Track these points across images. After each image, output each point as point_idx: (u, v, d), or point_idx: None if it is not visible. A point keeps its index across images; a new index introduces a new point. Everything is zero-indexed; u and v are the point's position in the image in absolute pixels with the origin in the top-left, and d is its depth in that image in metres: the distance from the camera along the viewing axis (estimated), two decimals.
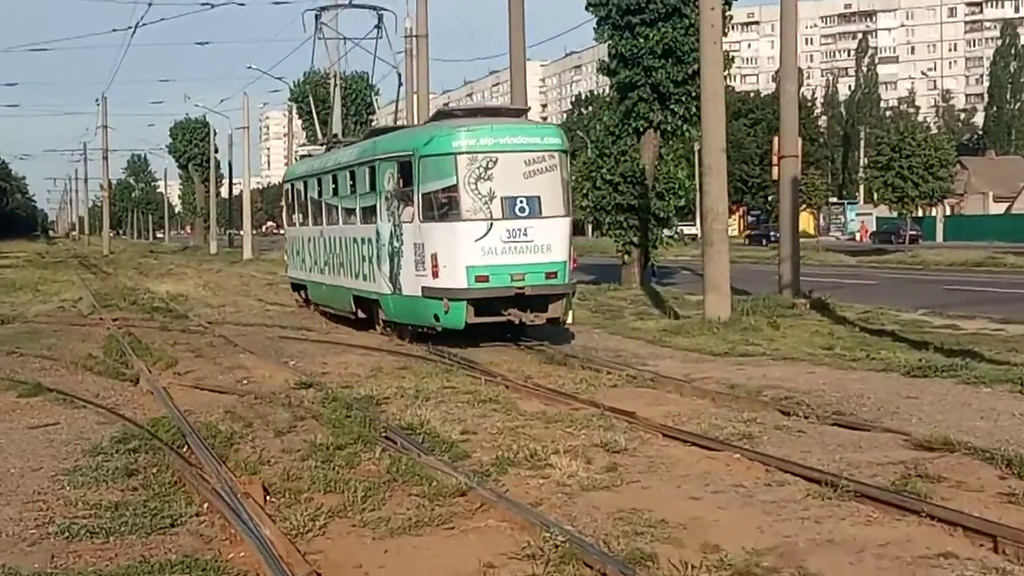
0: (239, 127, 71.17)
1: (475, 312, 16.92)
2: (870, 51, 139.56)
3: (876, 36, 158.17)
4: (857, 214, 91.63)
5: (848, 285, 31.69)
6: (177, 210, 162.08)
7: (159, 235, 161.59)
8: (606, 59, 31.13)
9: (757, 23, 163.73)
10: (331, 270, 22.30)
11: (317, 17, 28.45)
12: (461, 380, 13.50)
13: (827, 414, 10.82)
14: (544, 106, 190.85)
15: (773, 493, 8.10)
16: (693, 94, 27.72)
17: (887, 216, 74.97)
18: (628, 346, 17.34)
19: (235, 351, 17.43)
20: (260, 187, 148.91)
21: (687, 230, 64.66)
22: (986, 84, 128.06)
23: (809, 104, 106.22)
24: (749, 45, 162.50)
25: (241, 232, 72.13)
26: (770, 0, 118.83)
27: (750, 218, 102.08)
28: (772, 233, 79.52)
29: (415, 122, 30.36)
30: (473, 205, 16.85)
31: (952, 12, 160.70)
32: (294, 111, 68.85)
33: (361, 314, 20.57)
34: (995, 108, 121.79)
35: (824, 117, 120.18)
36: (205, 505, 7.90)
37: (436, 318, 17.20)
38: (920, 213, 69.36)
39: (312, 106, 47.09)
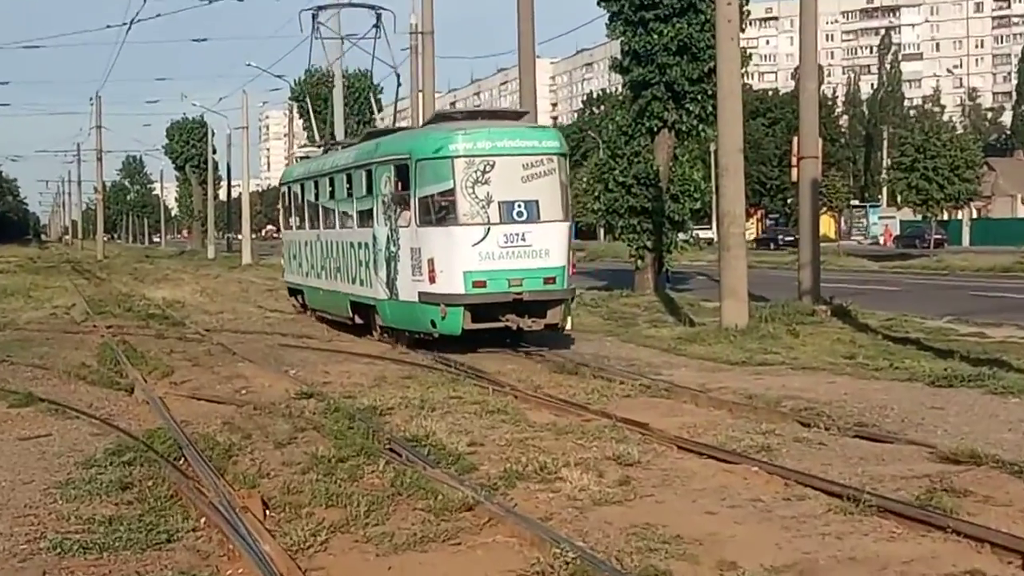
0: (238, 127, 71.25)
1: (472, 318, 17.14)
2: (893, 48, 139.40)
3: (899, 32, 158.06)
4: (880, 217, 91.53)
5: (871, 291, 31.63)
6: (174, 213, 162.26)
7: (155, 239, 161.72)
8: (619, 56, 31.12)
9: (776, 18, 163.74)
10: (328, 275, 22.52)
11: (314, 16, 28.66)
12: (468, 390, 13.50)
13: (849, 426, 10.81)
14: (554, 105, 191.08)
15: (792, 508, 8.09)
16: (709, 92, 27.72)
17: (911, 219, 74.82)
18: (642, 355, 17.34)
19: (234, 360, 17.45)
20: (260, 189, 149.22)
21: (703, 234, 64.84)
22: (1014, 82, 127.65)
23: (830, 103, 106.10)
24: (767, 41, 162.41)
25: (240, 236, 72.23)
26: None
27: (768, 221, 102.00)
28: (780, 237, 79.66)
29: (421, 122, 30.43)
30: (470, 209, 17.11)
31: (979, 7, 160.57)
32: (295, 110, 69.04)
33: (358, 320, 20.79)
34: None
35: (845, 116, 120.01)
36: (202, 520, 7.90)
37: (433, 324, 17.43)
38: (945, 216, 69.33)
39: (309, 107, 47.19)
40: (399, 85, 30.72)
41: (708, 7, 27.20)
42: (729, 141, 19.31)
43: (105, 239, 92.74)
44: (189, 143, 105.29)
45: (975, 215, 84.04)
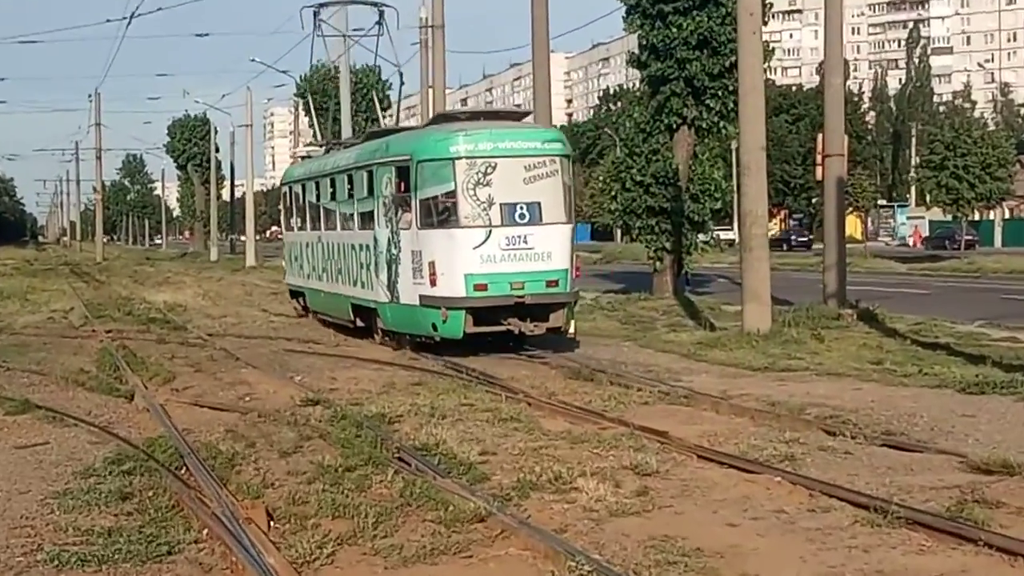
0: (242, 124, 71.43)
1: (474, 321, 17.50)
2: (922, 41, 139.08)
3: (928, 25, 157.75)
4: (908, 218, 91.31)
5: (899, 294, 31.57)
6: (175, 214, 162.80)
7: (156, 240, 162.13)
8: (636, 51, 31.11)
9: (799, 11, 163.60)
10: (329, 277, 22.83)
11: (316, 14, 28.86)
12: (480, 397, 13.50)
13: (876, 434, 10.78)
14: (569, 101, 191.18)
15: (817, 519, 8.07)
16: (730, 88, 27.69)
17: (941, 220, 74.70)
18: (660, 360, 17.33)
19: (237, 365, 17.49)
20: (264, 189, 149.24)
21: (724, 235, 64.71)
22: None
23: (856, 99, 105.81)
24: (791, 35, 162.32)
25: (244, 237, 72.37)
26: None
27: (792, 221, 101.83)
28: (794, 237, 79.55)
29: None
30: (471, 211, 17.47)
31: None
32: (300, 107, 69.16)
33: (360, 323, 21.10)
34: None
35: (872, 113, 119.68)
36: (204, 531, 7.91)
37: (434, 327, 17.77)
38: (977, 216, 69.18)
39: (312, 106, 47.26)
40: (402, 84, 31.04)
41: None
42: (751, 138, 19.28)
43: (104, 241, 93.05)
44: (191, 141, 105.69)
45: (1007, 215, 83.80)
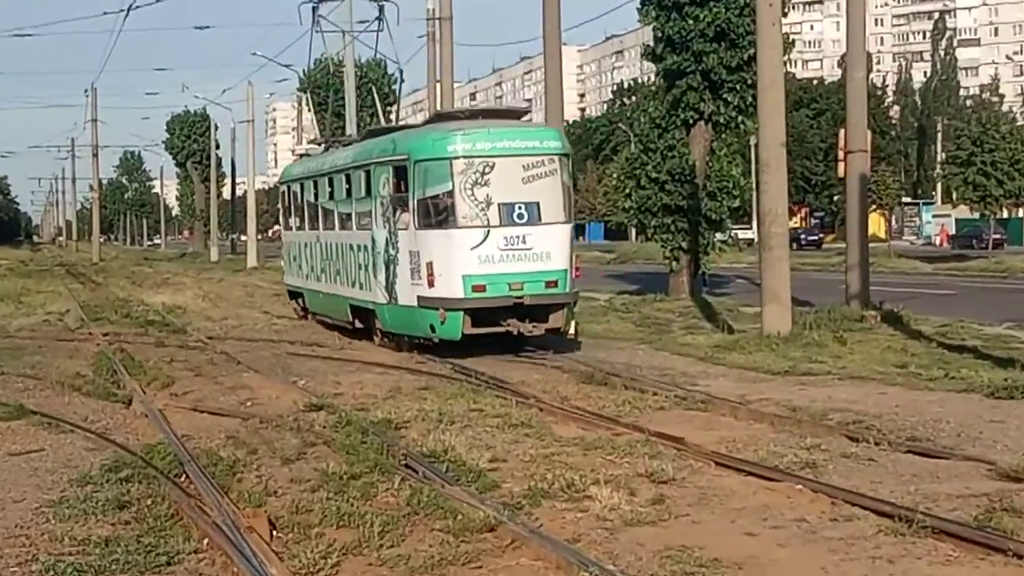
0: (243, 120, 71.60)
1: (472, 322, 17.88)
2: (948, 33, 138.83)
3: (955, 16, 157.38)
4: (934, 216, 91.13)
5: (924, 295, 31.50)
6: (174, 213, 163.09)
7: (155, 240, 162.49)
8: (651, 43, 31.13)
9: (821, 2, 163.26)
10: (328, 278, 23.23)
11: (314, 9, 29.10)
12: (489, 402, 13.50)
13: (900, 440, 10.77)
14: (582, 96, 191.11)
15: (840, 529, 8.06)
16: (749, 82, 27.69)
17: (967, 218, 74.53)
18: (676, 364, 17.33)
19: (238, 369, 17.52)
20: (266, 187, 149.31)
21: (742, 234, 64.67)
22: None
23: (879, 93, 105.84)
24: (812, 27, 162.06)
25: (245, 237, 72.47)
26: None
27: (813, 220, 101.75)
28: (803, 236, 79.40)
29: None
30: (469, 212, 17.85)
31: None
32: (303, 103, 69.15)
33: (359, 324, 21.46)
34: None
35: (896, 107, 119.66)
36: (205, 541, 7.92)
37: (432, 329, 18.15)
38: (1005, 214, 68.97)
39: (311, 102, 47.35)
40: (402, 81, 31.33)
41: None
42: (770, 134, 19.27)
43: (101, 240, 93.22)
44: (191, 138, 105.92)
45: None
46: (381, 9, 29.42)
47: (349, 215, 21.57)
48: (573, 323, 19.20)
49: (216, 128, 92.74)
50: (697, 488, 9.29)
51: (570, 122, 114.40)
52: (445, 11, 33.84)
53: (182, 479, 9.76)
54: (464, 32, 35.60)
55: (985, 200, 56.45)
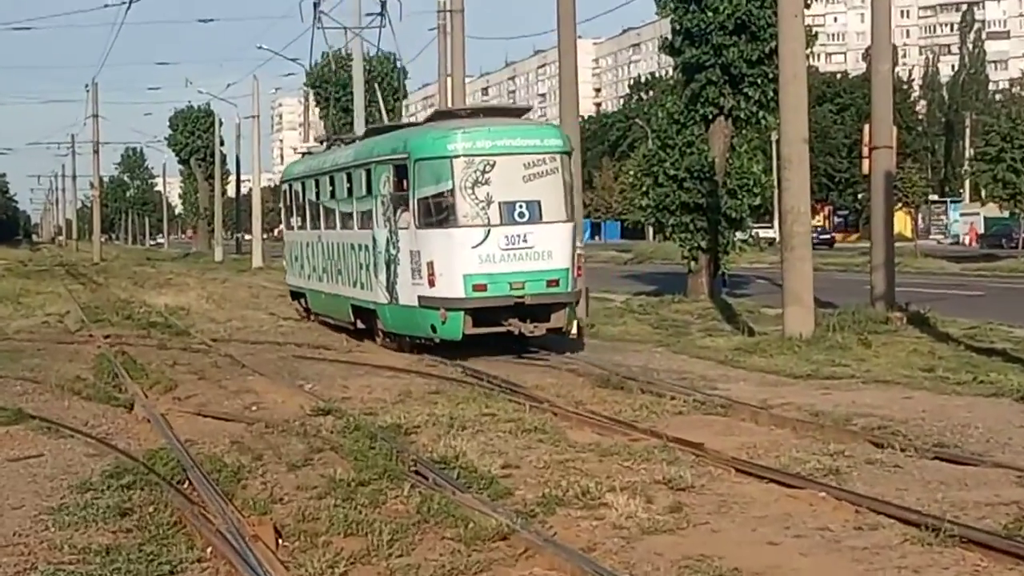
0: (248, 116, 71.51)
1: (473, 322, 18.24)
2: (976, 25, 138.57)
3: (983, 8, 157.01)
4: (962, 214, 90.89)
5: (951, 296, 31.44)
6: (177, 211, 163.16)
7: (157, 240, 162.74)
8: (669, 36, 31.08)
9: None
10: (329, 278, 23.64)
11: (315, 6, 29.34)
12: (502, 406, 13.51)
13: (927, 446, 10.75)
14: (598, 90, 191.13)
15: (864, 538, 8.05)
16: (770, 75, 27.62)
17: (997, 216, 74.25)
18: (695, 367, 17.32)
19: (243, 373, 17.57)
20: (272, 184, 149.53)
21: (763, 233, 64.55)
22: None
23: (905, 87, 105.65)
24: (835, 19, 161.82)
25: (249, 236, 72.57)
26: None
27: (837, 219, 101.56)
28: (816, 234, 79.05)
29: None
30: (470, 211, 18.23)
31: None
32: (310, 98, 69.29)
33: (360, 325, 21.85)
34: None
35: (923, 102, 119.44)
36: (209, 549, 7.94)
37: (433, 329, 18.50)
38: None
39: (311, 99, 47.53)
40: (406, 78, 31.45)
41: None
42: (792, 129, 19.24)
43: (102, 240, 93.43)
44: (194, 134, 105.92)
45: None
46: (383, 5, 29.67)
47: (350, 214, 21.94)
48: (575, 323, 19.56)
49: (220, 124, 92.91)
50: (717, 495, 9.29)
51: (585, 117, 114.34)
52: (456, 3, 33.81)
53: (185, 486, 9.78)
54: (476, 25, 35.67)
55: (1015, 198, 56.22)
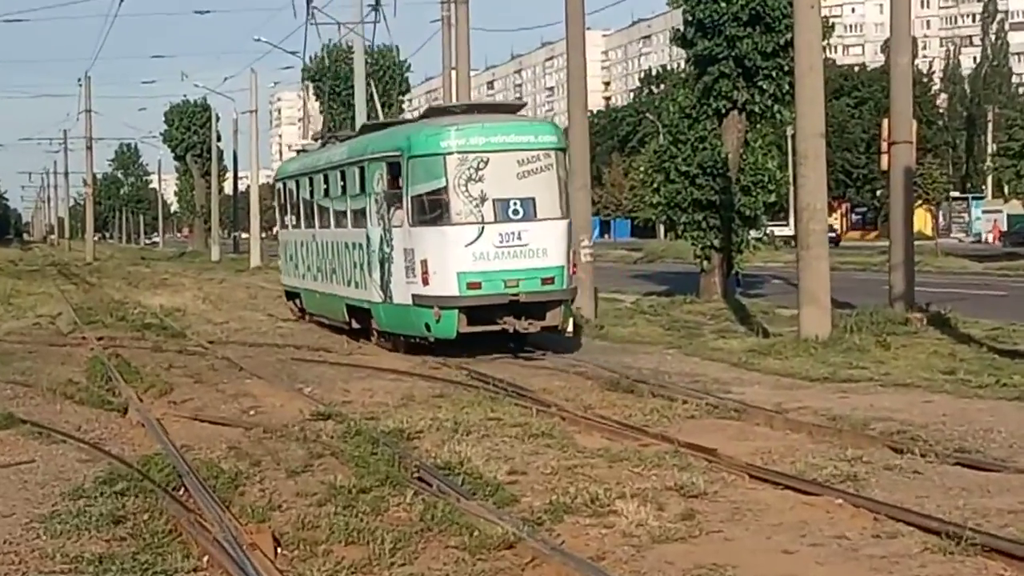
0: (246, 111, 71.55)
1: (468, 321, 18.54)
2: (999, 16, 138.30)
3: None
4: (984, 211, 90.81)
5: (973, 296, 31.41)
6: (173, 209, 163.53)
7: (153, 238, 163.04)
8: (680, 27, 31.08)
9: None
10: (324, 277, 24.05)
11: (309, 2, 29.70)
12: (508, 410, 13.51)
13: (948, 452, 10.75)
14: (607, 84, 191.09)
15: (883, 546, 8.04)
16: (785, 68, 27.61)
17: (1020, 213, 74.28)
18: (708, 370, 17.33)
19: (241, 376, 17.59)
20: (270, 181, 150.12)
21: (778, 231, 64.55)
22: None
23: (925, 80, 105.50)
24: (853, 9, 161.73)
25: (248, 235, 72.62)
26: None
27: (854, 216, 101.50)
28: None
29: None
30: (464, 208, 18.59)
31: None
32: (310, 92, 69.29)
33: (355, 324, 22.17)
34: None
35: (943, 95, 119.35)
36: (205, 558, 7.94)
37: (427, 327, 18.84)
38: None
39: (307, 95, 47.65)
40: (409, 71, 31.76)
41: None
42: (808, 124, 19.23)
43: (95, 239, 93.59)
44: (190, 129, 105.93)
45: None
46: (377, 0, 30.06)
47: (344, 212, 22.30)
48: (571, 320, 19.94)
49: (217, 119, 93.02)
50: (730, 503, 9.28)
51: (594, 112, 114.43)
52: None
53: (181, 493, 9.78)
54: (480, 16, 35.64)
55: None
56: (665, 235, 74.47)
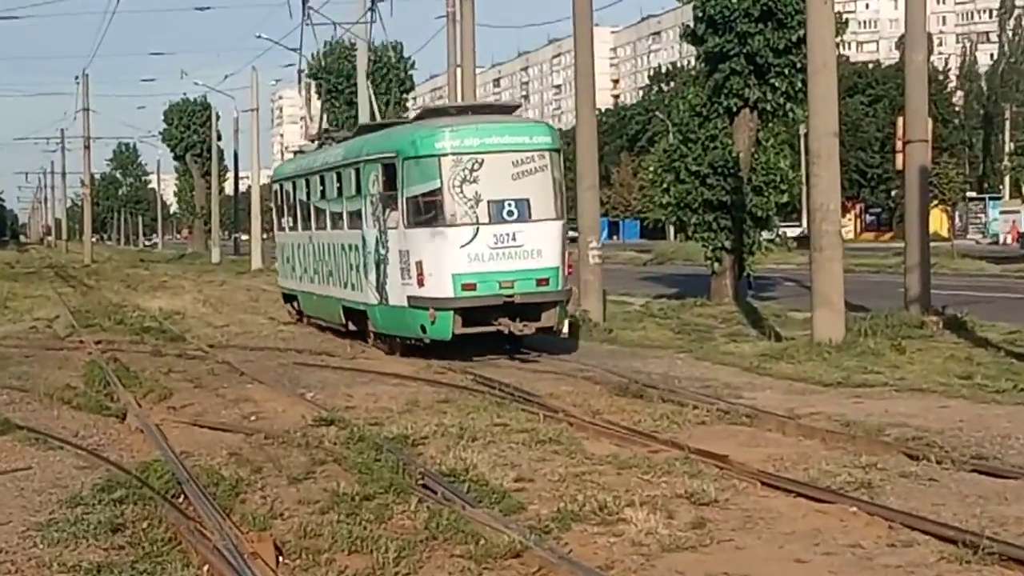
0: (247, 109, 71.67)
1: (463, 322, 19.03)
2: (1016, 12, 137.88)
3: None
4: (1001, 212, 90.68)
5: (991, 299, 31.39)
6: (172, 210, 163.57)
7: (152, 240, 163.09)
8: (690, 23, 31.08)
9: None
10: (321, 279, 24.33)
11: (304, 1, 29.94)
12: (515, 416, 13.52)
13: (965, 458, 10.73)
14: (615, 81, 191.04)
15: (898, 555, 8.04)
16: (798, 65, 27.58)
17: None
18: (719, 374, 17.32)
19: (241, 380, 17.60)
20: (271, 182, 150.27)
21: (791, 232, 64.49)
22: None
23: (941, 77, 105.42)
24: (867, 5, 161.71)
25: (248, 236, 72.65)
26: None
27: (869, 217, 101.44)
28: None
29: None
30: (458, 209, 18.91)
31: None
32: (312, 90, 69.29)
33: (352, 326, 22.46)
34: None
35: (960, 93, 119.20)
36: (205, 567, 7.95)
37: (423, 329, 19.18)
38: None
39: (308, 94, 47.77)
40: (413, 69, 31.95)
41: None
42: (822, 122, 19.22)
43: (93, 240, 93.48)
44: (190, 128, 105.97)
45: None
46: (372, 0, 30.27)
47: (340, 214, 22.59)
48: (567, 322, 20.16)
49: (218, 118, 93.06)
50: (741, 510, 9.28)
51: (603, 110, 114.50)
52: None
53: (180, 500, 9.79)
54: (486, 12, 35.53)
55: None
56: (675, 236, 74.44)
